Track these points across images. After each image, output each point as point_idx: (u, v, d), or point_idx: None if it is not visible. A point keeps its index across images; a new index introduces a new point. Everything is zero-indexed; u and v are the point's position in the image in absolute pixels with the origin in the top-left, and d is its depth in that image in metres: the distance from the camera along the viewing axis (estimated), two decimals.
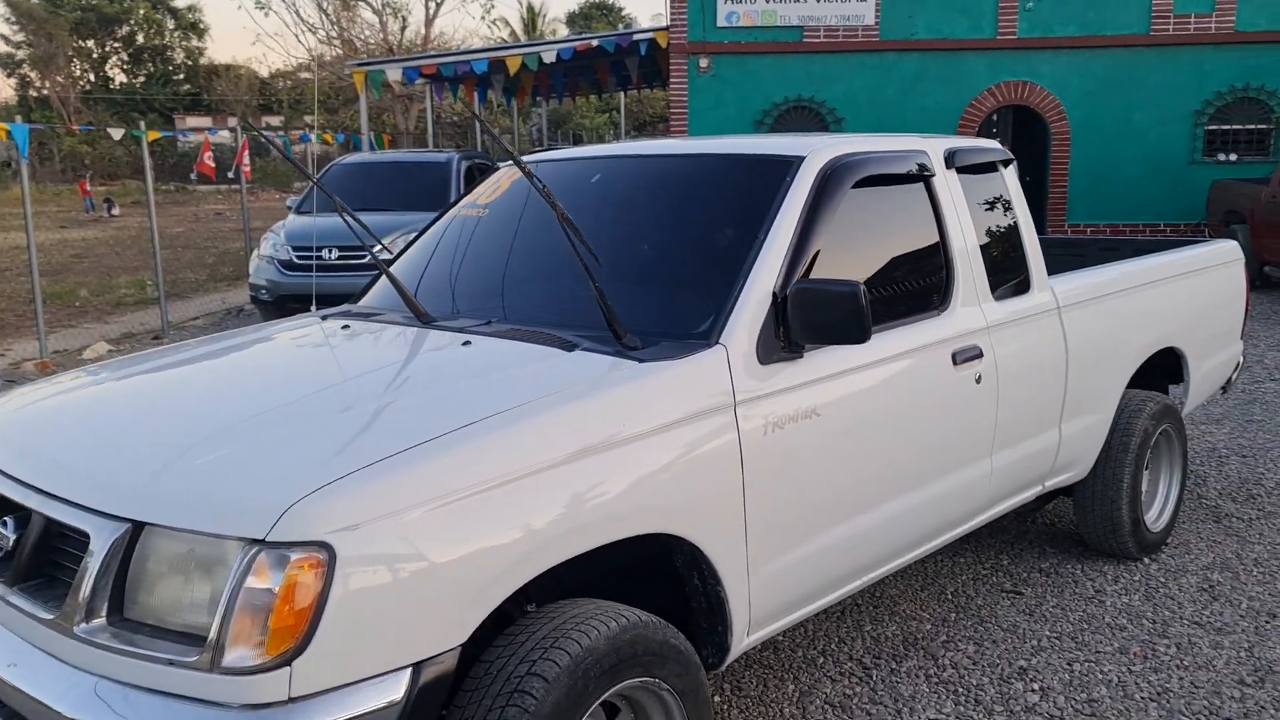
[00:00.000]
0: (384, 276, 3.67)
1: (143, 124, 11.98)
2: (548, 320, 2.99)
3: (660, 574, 2.81)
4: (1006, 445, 3.66)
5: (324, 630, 1.91)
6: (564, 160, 3.66)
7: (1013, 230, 3.85)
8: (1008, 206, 3.86)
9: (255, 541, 1.92)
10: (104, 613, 2.01)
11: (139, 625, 2.01)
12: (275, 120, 45.20)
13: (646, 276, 3.13)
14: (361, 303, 3.65)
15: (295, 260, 10.00)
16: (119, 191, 35.62)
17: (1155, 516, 4.63)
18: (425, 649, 2.04)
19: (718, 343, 2.72)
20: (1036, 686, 3.54)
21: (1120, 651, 3.76)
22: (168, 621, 1.98)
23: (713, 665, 2.80)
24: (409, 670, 2.02)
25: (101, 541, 2.04)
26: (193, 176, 32.37)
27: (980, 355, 3.47)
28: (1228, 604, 4.12)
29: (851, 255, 3.16)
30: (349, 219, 3.34)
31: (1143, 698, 3.45)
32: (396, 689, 2.00)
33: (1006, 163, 3.91)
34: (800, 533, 2.86)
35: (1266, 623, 3.95)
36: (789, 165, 3.11)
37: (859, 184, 3.19)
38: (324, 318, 3.44)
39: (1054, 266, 4.28)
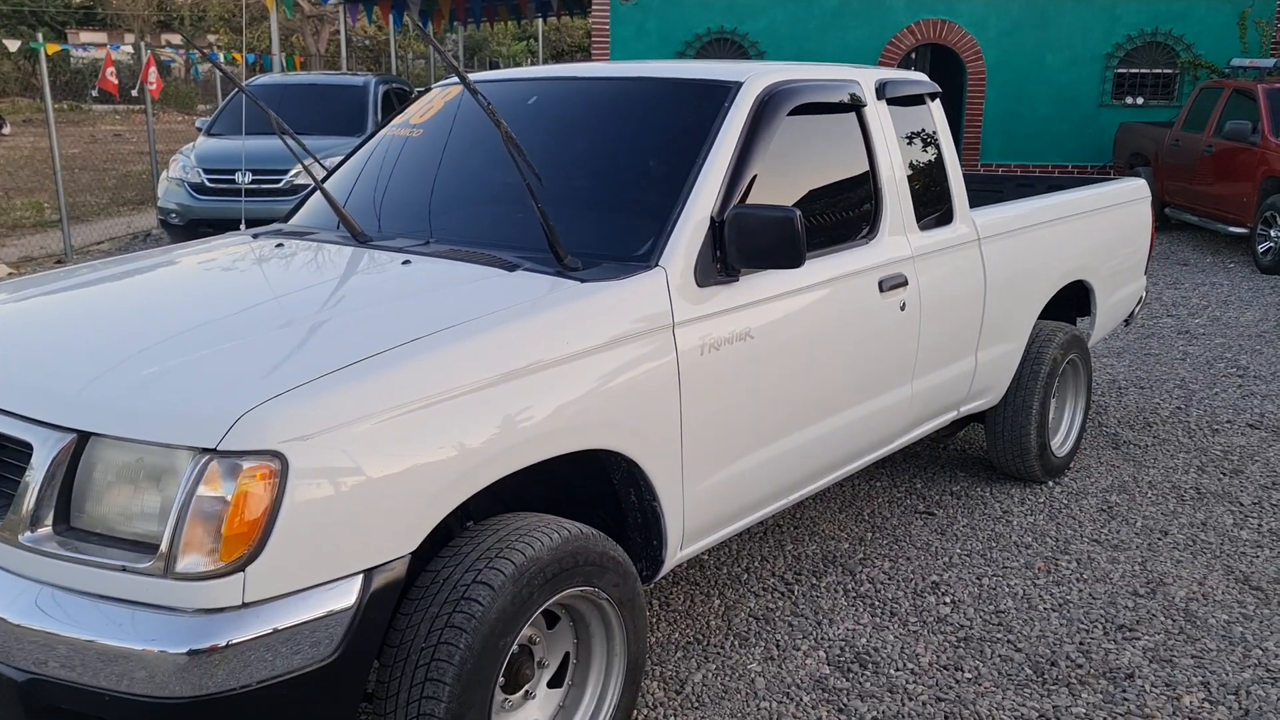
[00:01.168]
0: (315, 195, 3.64)
1: (40, 36, 11.37)
2: (488, 241, 3.00)
3: (594, 492, 2.89)
4: (927, 371, 3.81)
5: (277, 537, 1.94)
6: (501, 81, 3.63)
7: (938, 162, 3.96)
8: (934, 139, 3.96)
9: (206, 450, 1.93)
10: (50, 522, 2.01)
11: (87, 534, 2.01)
12: (175, 39, 43.28)
13: (586, 199, 3.15)
14: (293, 221, 3.60)
15: (207, 183, 9.72)
16: (8, 109, 33.82)
17: (1060, 442, 4.87)
18: (376, 556, 2.09)
19: (657, 265, 2.77)
20: (948, 599, 3.74)
21: (1025, 567, 3.99)
22: (117, 530, 1.98)
23: (647, 578, 2.90)
24: (360, 576, 2.06)
25: (45, 452, 2.02)
26: (93, 94, 30.84)
27: (905, 283, 3.59)
28: (1124, 523, 4.38)
29: (786, 183, 3.23)
30: (288, 139, 3.28)
31: (1045, 608, 3.67)
32: (349, 595, 2.04)
33: (934, 96, 4.01)
34: (732, 451, 2.95)
35: (1158, 539, 4.22)
36: (727, 90, 3.15)
37: (794, 111, 3.25)
38: (255, 236, 3.39)
39: (972, 200, 4.42)
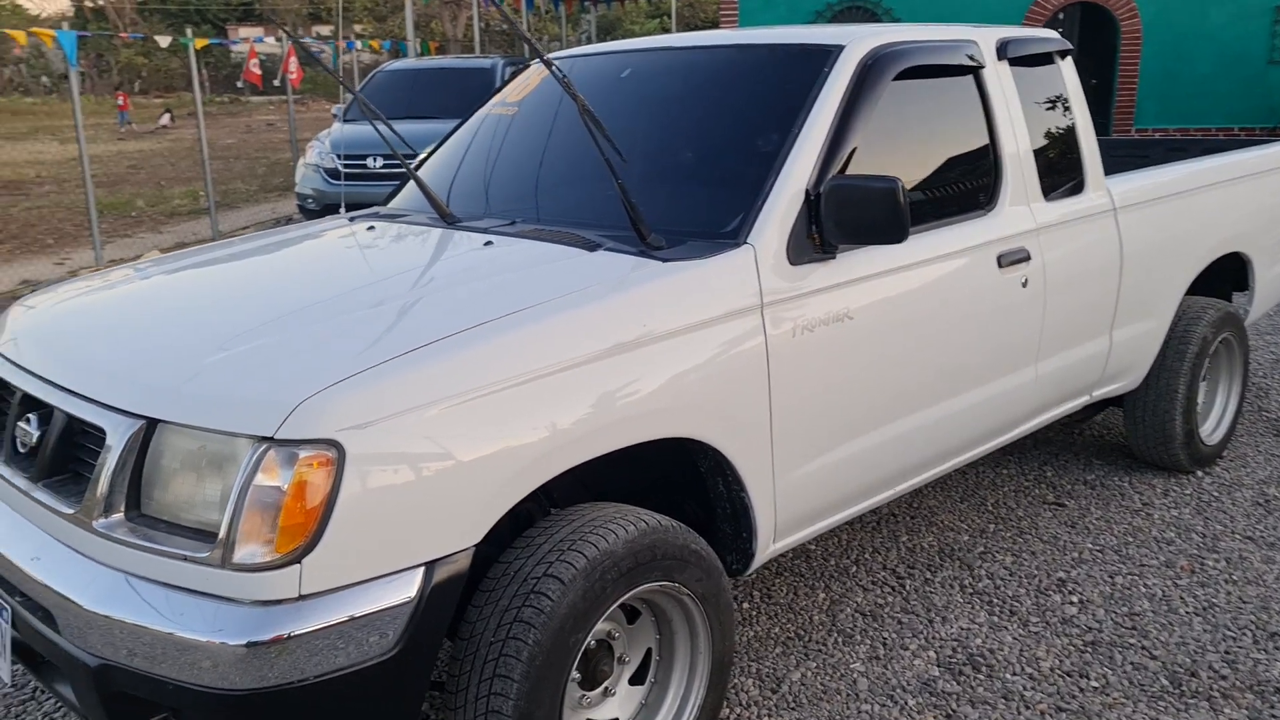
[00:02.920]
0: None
1: (189, 32, 11.91)
2: (573, 220, 2.91)
3: (684, 481, 2.77)
4: (1052, 352, 3.53)
5: (334, 529, 1.89)
6: (594, 55, 3.53)
7: (1068, 126, 3.66)
8: (1064, 101, 3.66)
9: (264, 439, 1.90)
10: (122, 508, 2.01)
11: (155, 521, 2.01)
12: (325, 29, 44.84)
13: (676, 174, 3.02)
14: (391, 205, 3.59)
15: (341, 169, 9.97)
16: (175, 103, 35.79)
17: (1211, 429, 4.49)
18: (438, 548, 2.02)
19: (745, 242, 2.62)
20: (1075, 599, 3.47)
21: (1166, 565, 3.67)
22: (182, 518, 1.98)
23: (737, 571, 2.77)
24: (421, 569, 2.00)
25: (117, 438, 2.03)
26: (239, 84, 32.30)
27: (1027, 258, 3.33)
28: None
29: (892, 152, 3.02)
30: (378, 125, 3.27)
31: (1187, 612, 3.37)
32: (409, 588, 1.98)
33: (1064, 54, 3.70)
34: (829, 439, 2.78)
35: None
36: (827, 55, 2.96)
37: (902, 76, 3.03)
38: (351, 219, 3.39)
39: (1116, 168, 4.09)
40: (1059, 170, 3.57)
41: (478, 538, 2.08)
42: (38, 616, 2.10)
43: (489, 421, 2.07)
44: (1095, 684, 3.01)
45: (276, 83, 16.16)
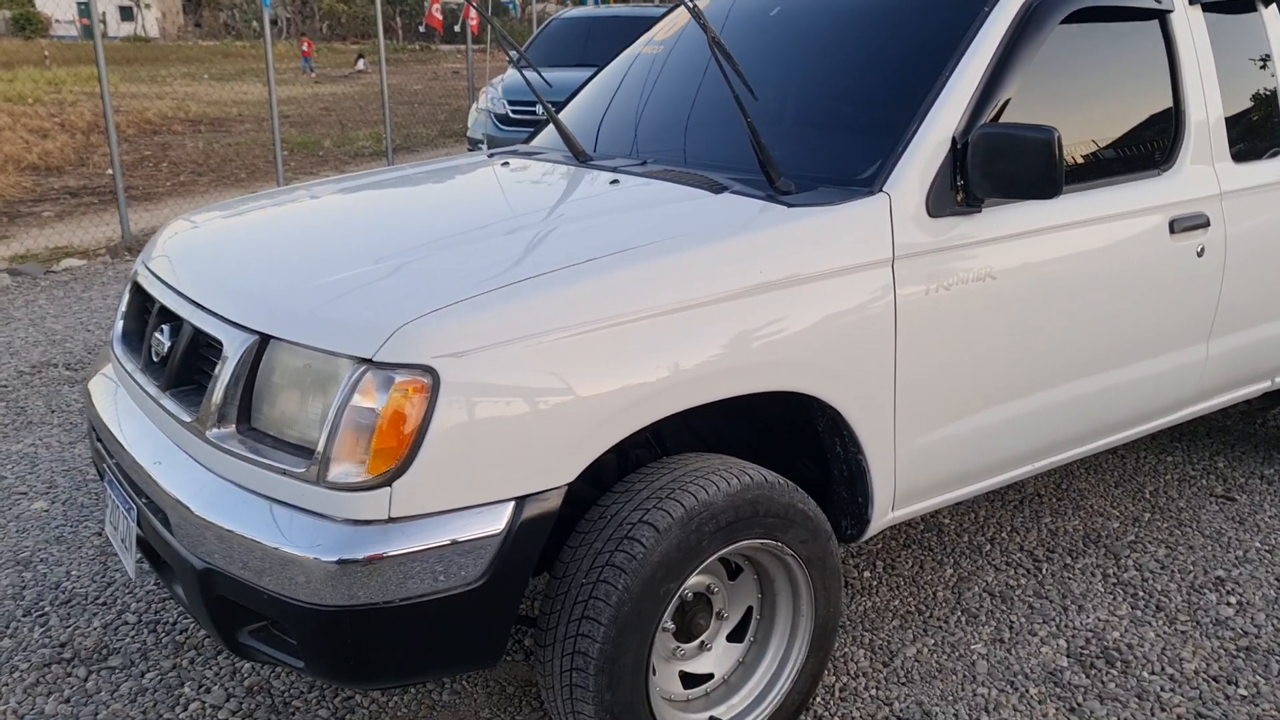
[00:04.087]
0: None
1: None
2: (706, 162, 2.82)
3: (804, 436, 2.66)
4: (1229, 330, 3.22)
5: (425, 455, 1.89)
6: None
7: (1267, 81, 3.29)
8: (1264, 53, 3.30)
9: (364, 361, 1.91)
10: (234, 420, 2.07)
11: (263, 435, 2.06)
12: None
13: (816, 117, 2.88)
14: (532, 143, 3.58)
15: (511, 114, 10.10)
16: (370, 49, 37.23)
17: None
18: (530, 484, 2.00)
19: (881, 190, 2.46)
20: (1233, 600, 3.18)
21: None
22: (286, 434, 2.02)
23: (851, 537, 2.65)
24: (511, 504, 1.98)
25: (233, 351, 2.09)
26: (421, 29, 33.22)
27: (1206, 224, 3.03)
28: None
29: (1054, 100, 2.78)
30: (522, 71, 3.27)
31: None
32: (497, 521, 1.97)
33: (1269, 1, 3.33)
34: (959, 407, 2.61)
35: None
36: None
37: (1073, 18, 2.78)
38: (490, 155, 3.39)
39: None
40: (1253, 131, 3.23)
41: (571, 476, 2.04)
42: (158, 518, 2.19)
43: (588, 359, 2.02)
44: (1244, 692, 2.75)
45: (458, 29, 16.51)
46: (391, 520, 1.91)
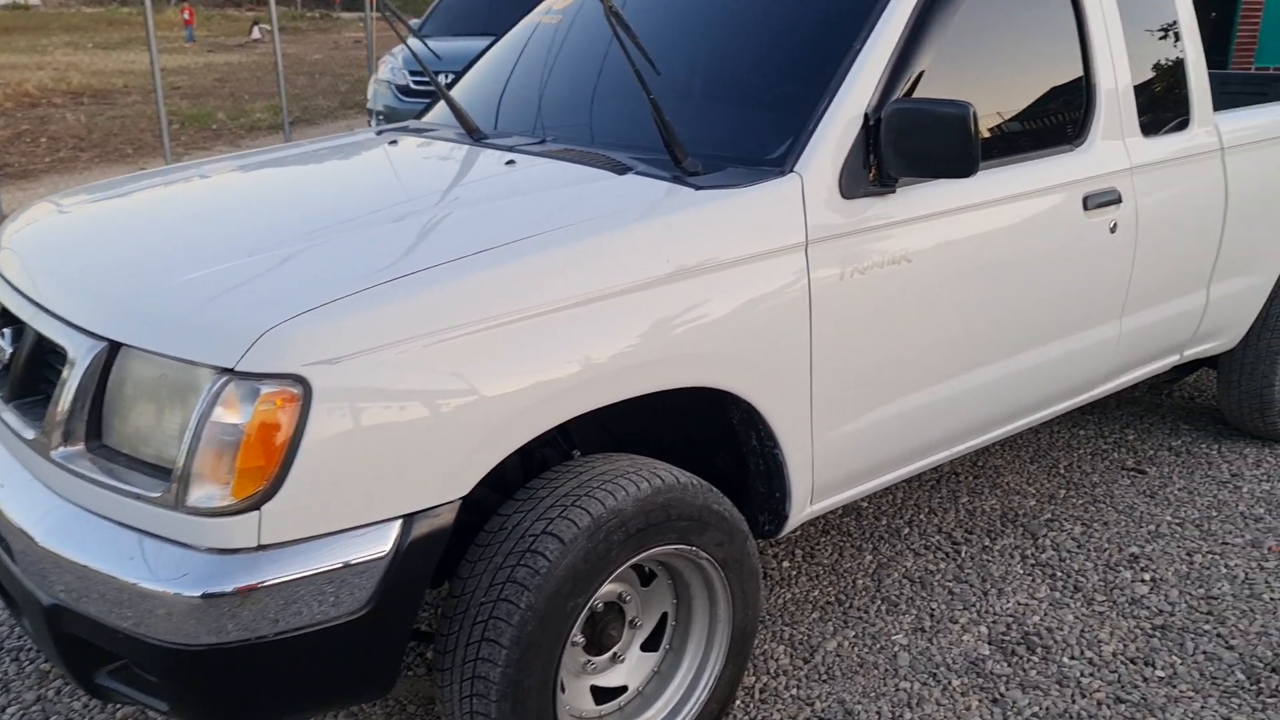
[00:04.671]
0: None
1: None
2: (609, 141, 2.65)
3: (716, 432, 2.53)
4: (1141, 306, 3.18)
5: (297, 474, 1.70)
6: None
7: (1175, 55, 3.25)
8: (1173, 28, 3.25)
9: (225, 370, 1.71)
10: (82, 437, 1.85)
11: (115, 454, 1.84)
12: None
13: (725, 92, 2.72)
14: (424, 119, 3.36)
15: (412, 85, 9.74)
16: (264, 17, 35.92)
17: None
18: (419, 500, 1.82)
19: (792, 171, 2.33)
20: (1148, 577, 3.16)
21: (1252, 545, 3.34)
22: (141, 451, 1.81)
23: (770, 533, 2.54)
24: (398, 523, 1.80)
25: (79, 360, 1.86)
26: None
27: (1118, 200, 2.97)
28: None
29: (967, 75, 2.68)
30: (409, 42, 3.06)
31: (1272, 598, 3.05)
32: (383, 542, 1.79)
33: None
34: (878, 394, 2.51)
35: None
36: None
37: None
38: (379, 133, 3.17)
39: (1228, 103, 3.66)
40: (1162, 104, 3.18)
41: (465, 490, 1.88)
42: (1, 546, 1.96)
43: (479, 361, 1.85)
44: (1161, 674, 2.72)
45: None
46: (262, 548, 1.71)
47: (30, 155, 11.95)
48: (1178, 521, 3.49)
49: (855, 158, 2.39)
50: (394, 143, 2.93)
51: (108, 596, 1.75)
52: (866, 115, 2.40)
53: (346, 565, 1.76)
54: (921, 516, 3.53)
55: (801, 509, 2.51)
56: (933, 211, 2.51)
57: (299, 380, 1.70)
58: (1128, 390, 4.59)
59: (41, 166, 11.14)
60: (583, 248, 2.02)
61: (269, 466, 1.69)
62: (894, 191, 2.44)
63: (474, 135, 2.82)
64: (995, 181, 2.65)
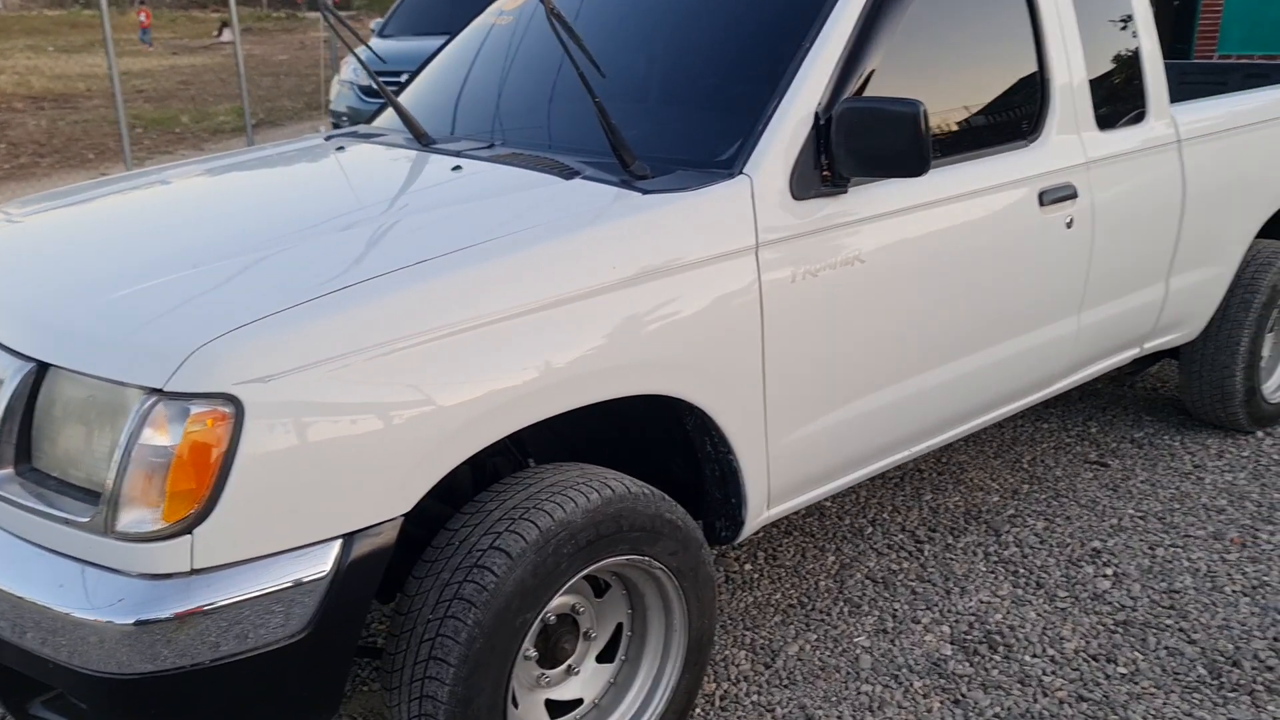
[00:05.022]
0: (399, 95, 3.33)
1: None
2: (559, 145, 2.61)
3: (671, 438, 2.50)
4: (1099, 301, 3.17)
5: (230, 495, 1.65)
6: None
7: (1131, 47, 3.24)
8: (1128, 18, 3.24)
9: (153, 391, 1.66)
10: (10, 460, 1.80)
11: (46, 477, 1.79)
12: None
13: (675, 93, 2.69)
14: (374, 124, 3.31)
15: (375, 86, 9.66)
16: (230, 18, 35.55)
17: (1275, 387, 4.10)
18: (359, 519, 1.78)
19: (741, 173, 2.30)
20: (1110, 571, 3.16)
21: (1214, 537, 3.34)
22: (71, 475, 1.76)
23: (727, 539, 2.51)
24: (338, 543, 1.76)
25: (6, 381, 1.81)
26: None
27: (1074, 195, 2.96)
28: None
29: (920, 72, 2.66)
30: (351, 46, 3.01)
31: (1234, 590, 3.05)
32: (322, 563, 1.75)
33: None
34: (833, 397, 2.49)
35: None
36: None
37: None
38: (327, 138, 3.12)
39: (1186, 93, 3.66)
40: (1118, 97, 3.18)
41: (406, 506, 1.84)
42: None
43: (417, 377, 1.81)
44: (1123, 670, 2.72)
45: None
46: (195, 572, 1.67)
47: None
48: (1140, 515, 3.49)
49: (806, 158, 2.36)
50: (341, 149, 2.88)
51: (38, 626, 1.69)
52: (817, 115, 2.37)
53: (285, 587, 1.71)
54: (885, 515, 3.51)
55: (758, 514, 2.48)
56: (885, 211, 2.49)
57: (230, 399, 1.65)
58: (1090, 383, 4.59)
59: (0, 173, 10.98)
60: (523, 257, 1.98)
61: (200, 489, 1.64)
62: (846, 192, 2.42)
63: (422, 140, 2.78)
64: (949, 180, 2.63)
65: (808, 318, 2.36)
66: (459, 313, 1.87)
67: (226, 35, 30.34)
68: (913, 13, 2.60)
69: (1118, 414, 4.31)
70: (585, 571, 2.05)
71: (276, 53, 26.73)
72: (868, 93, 2.47)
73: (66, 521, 1.69)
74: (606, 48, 2.48)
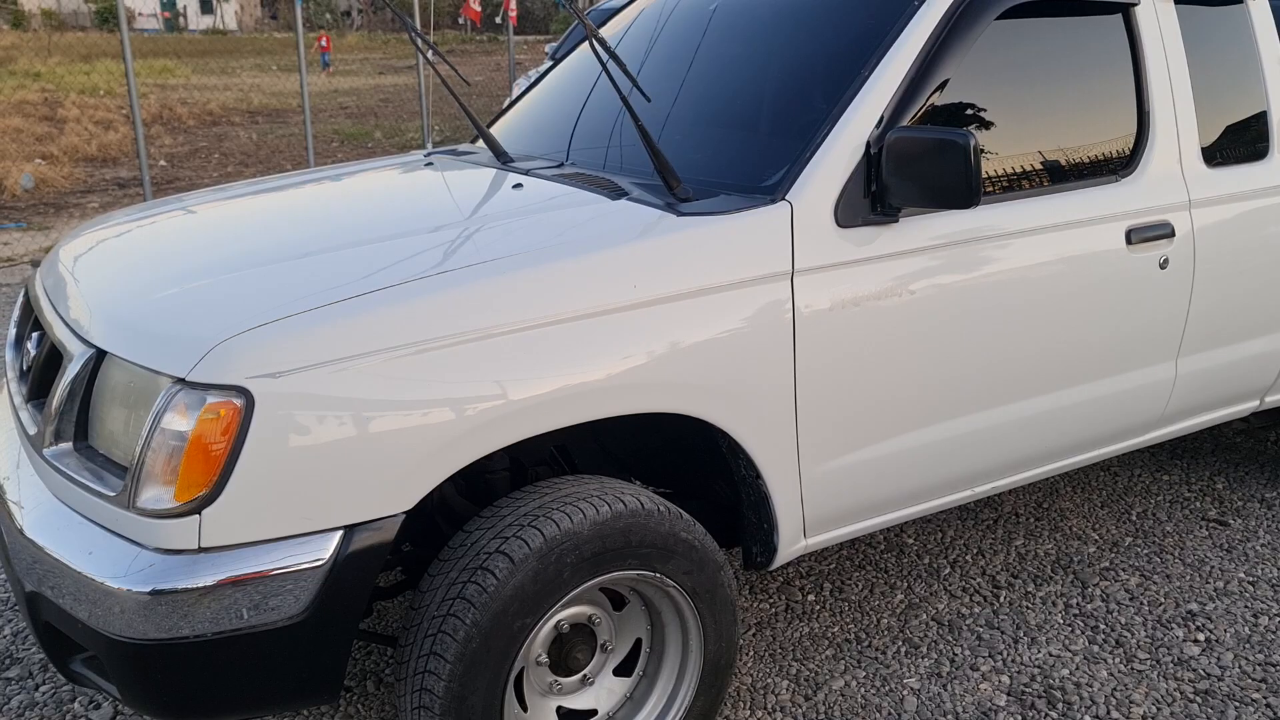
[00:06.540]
0: (505, 114, 3.49)
1: None
2: (622, 166, 2.67)
3: (715, 460, 2.51)
4: (1202, 348, 2.97)
5: (237, 481, 1.79)
6: None
7: (1252, 79, 3.03)
8: (1249, 47, 3.03)
9: (178, 380, 1.82)
10: (70, 436, 2.00)
11: (96, 454, 1.98)
12: None
13: (730, 119, 2.70)
14: (473, 144, 3.46)
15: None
16: (439, 40, 37.50)
17: None
18: (360, 513, 1.88)
19: (783, 199, 2.29)
20: (1202, 636, 2.95)
21: None
22: (113, 453, 1.94)
23: (761, 564, 2.49)
24: (338, 534, 1.87)
25: (73, 364, 2.01)
26: (460, 21, 33.31)
27: (1170, 234, 2.79)
28: None
29: (991, 100, 2.57)
30: (437, 71, 3.17)
31: None
32: (321, 551, 1.86)
33: None
34: (876, 430, 2.43)
35: None
36: None
37: (1013, 13, 2.57)
38: (426, 155, 3.29)
39: None
40: (1233, 131, 2.97)
41: (409, 504, 1.93)
42: (6, 533, 2.13)
43: (424, 380, 1.90)
44: None
45: (498, 21, 16.53)
46: (202, 550, 1.81)
47: (201, 170, 12.86)
48: (1251, 580, 3.24)
49: (855, 186, 2.33)
50: (430, 164, 3.03)
51: (74, 589, 1.88)
52: (869, 144, 2.34)
53: (284, 571, 1.83)
54: (968, 557, 3.39)
55: (793, 542, 2.45)
56: (939, 243, 2.43)
57: (242, 392, 1.79)
58: (1225, 435, 4.28)
59: (209, 180, 11.98)
60: (538, 272, 2.05)
61: (210, 473, 1.78)
62: (896, 221, 2.37)
63: (501, 159, 2.90)
64: (1012, 214, 2.54)
65: (847, 348, 2.33)
66: (469, 321, 1.95)
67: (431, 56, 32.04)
68: (986, 44, 2.53)
69: (1251, 471, 4.00)
70: (591, 583, 2.09)
71: (473, 73, 27.95)
72: (934, 124, 2.41)
73: (100, 495, 1.87)
74: (667, 71, 2.52)
